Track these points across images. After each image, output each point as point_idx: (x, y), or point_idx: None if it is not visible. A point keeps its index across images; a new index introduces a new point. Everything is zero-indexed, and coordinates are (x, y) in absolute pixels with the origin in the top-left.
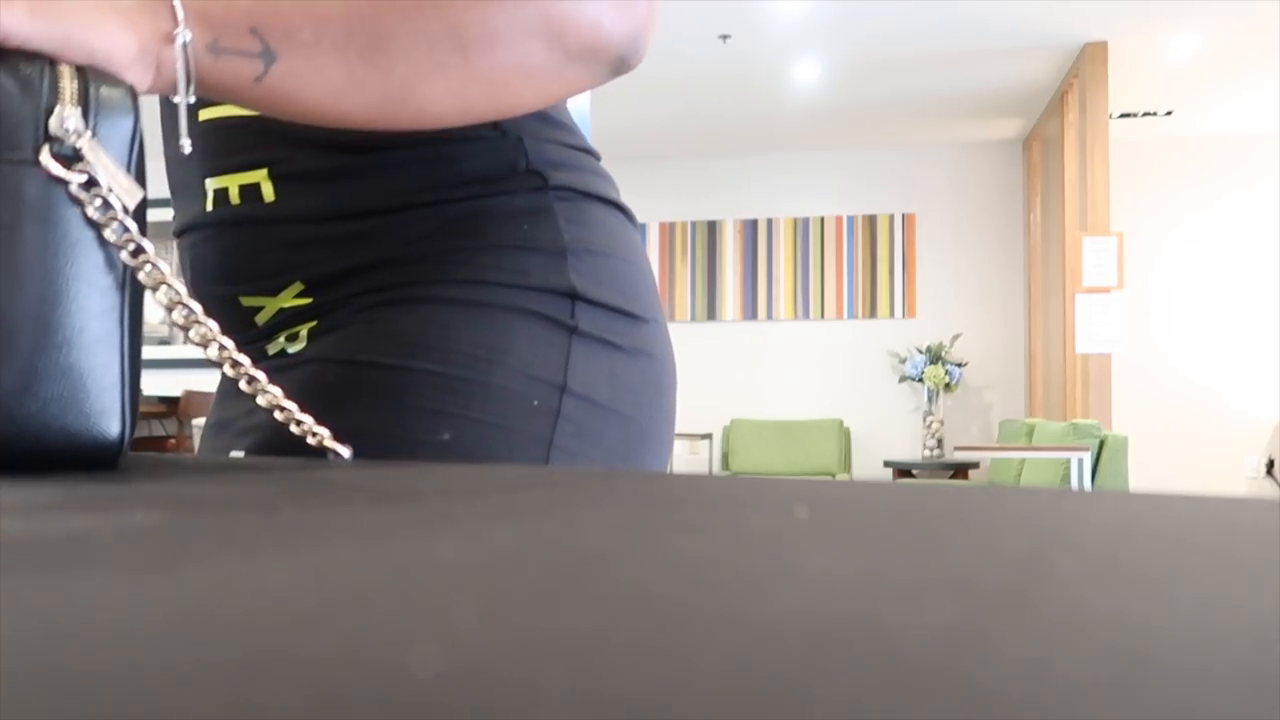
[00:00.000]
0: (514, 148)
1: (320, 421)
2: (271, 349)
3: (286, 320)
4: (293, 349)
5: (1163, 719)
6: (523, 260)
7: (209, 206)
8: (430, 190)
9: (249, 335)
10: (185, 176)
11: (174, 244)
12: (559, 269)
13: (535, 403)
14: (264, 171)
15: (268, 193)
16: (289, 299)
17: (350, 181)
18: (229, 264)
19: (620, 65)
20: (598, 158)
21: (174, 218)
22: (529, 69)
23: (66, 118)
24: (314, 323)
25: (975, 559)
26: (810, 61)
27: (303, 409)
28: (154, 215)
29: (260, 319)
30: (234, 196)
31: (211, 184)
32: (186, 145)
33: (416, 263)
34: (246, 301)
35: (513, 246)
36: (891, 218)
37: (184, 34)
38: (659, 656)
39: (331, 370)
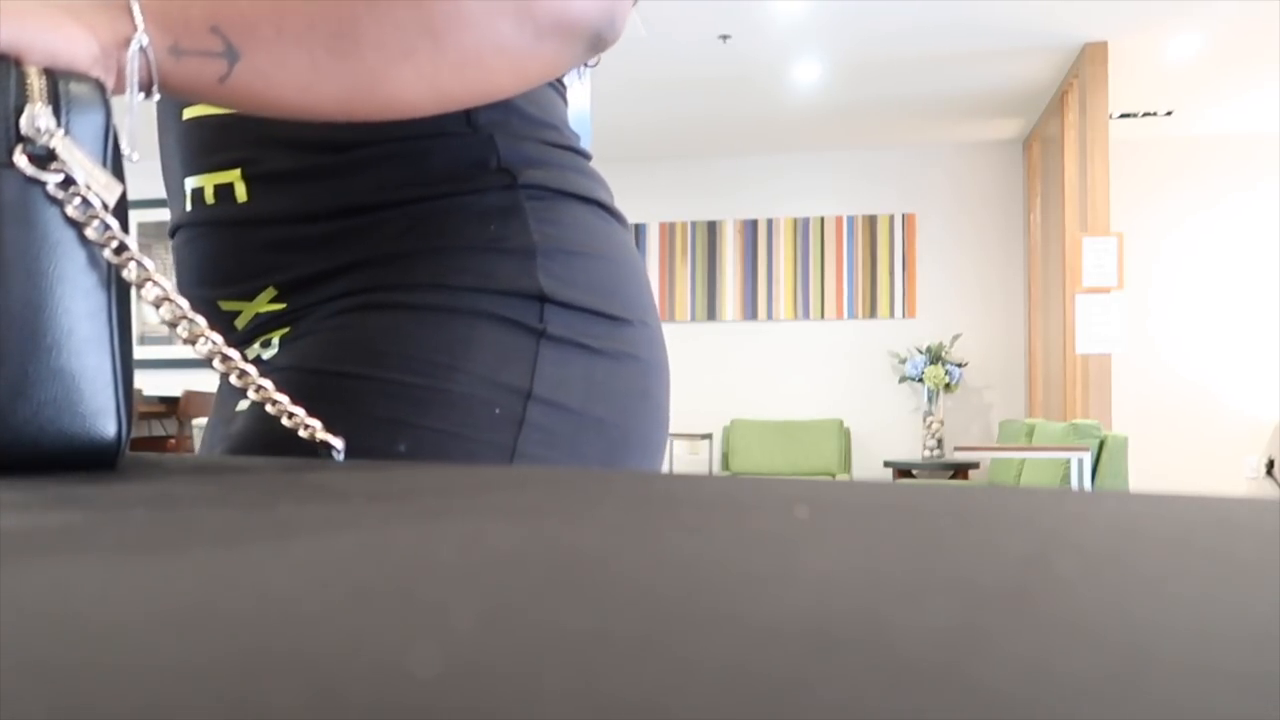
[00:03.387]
0: (485, 145)
1: (286, 430)
2: (249, 355)
3: (263, 326)
4: (266, 355)
5: (1163, 718)
6: (489, 262)
7: (188, 206)
8: (399, 188)
9: (229, 340)
10: (171, 177)
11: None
12: (527, 270)
13: (497, 410)
14: (237, 172)
15: (240, 193)
16: (264, 304)
17: (322, 181)
18: (207, 266)
19: (597, 42)
20: (587, 157)
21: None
22: (501, 49)
23: (37, 116)
24: (287, 329)
25: (975, 559)
26: (810, 61)
27: (274, 419)
28: (149, 215)
29: (239, 323)
30: (209, 196)
31: (190, 183)
32: (133, 154)
33: (384, 265)
34: (225, 306)
35: (479, 248)
36: (891, 218)
37: (141, 38)
38: (659, 656)
39: (294, 379)
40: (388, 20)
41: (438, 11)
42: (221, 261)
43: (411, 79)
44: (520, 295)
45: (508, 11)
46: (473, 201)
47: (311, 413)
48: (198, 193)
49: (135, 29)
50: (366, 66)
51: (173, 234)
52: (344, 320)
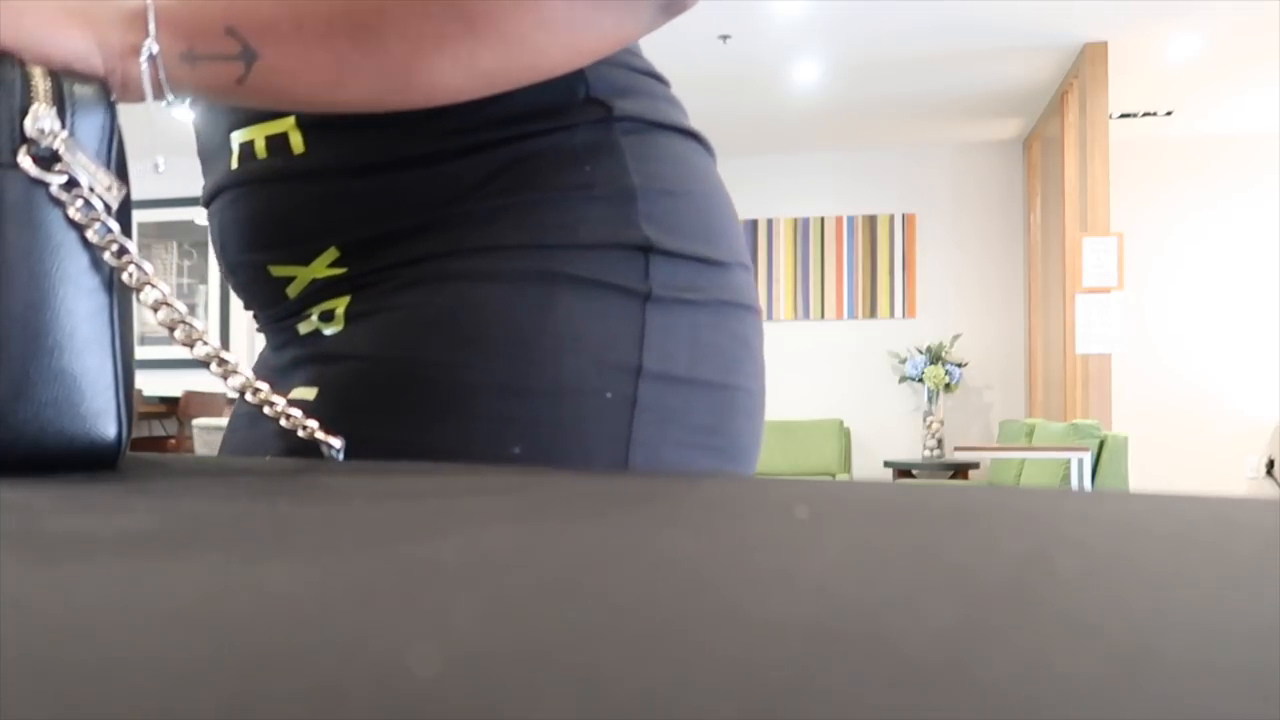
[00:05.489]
0: (572, 74)
1: (372, 432)
2: (304, 328)
3: (319, 293)
4: (329, 330)
5: (1163, 718)
6: (585, 211)
7: (234, 164)
8: (476, 130)
9: (280, 310)
10: (212, 137)
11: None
12: (628, 218)
13: (609, 395)
14: (291, 120)
15: (296, 143)
16: (322, 268)
17: (389, 125)
18: (256, 227)
19: (669, 5)
20: (666, 84)
21: (203, 186)
22: (549, 26)
23: (41, 118)
24: (348, 298)
25: (975, 559)
26: (810, 61)
27: (352, 414)
28: (149, 215)
29: (291, 291)
30: (260, 150)
31: (237, 137)
32: (160, 163)
33: (463, 225)
34: (276, 271)
35: (573, 196)
36: (891, 218)
37: (151, 46)
38: (659, 656)
39: (383, 371)
40: (415, 9)
41: None
42: (274, 221)
43: (448, 67)
44: (622, 247)
45: None
46: (562, 140)
47: (402, 411)
48: (246, 147)
49: (147, 36)
50: (396, 58)
51: (210, 200)
52: (423, 294)
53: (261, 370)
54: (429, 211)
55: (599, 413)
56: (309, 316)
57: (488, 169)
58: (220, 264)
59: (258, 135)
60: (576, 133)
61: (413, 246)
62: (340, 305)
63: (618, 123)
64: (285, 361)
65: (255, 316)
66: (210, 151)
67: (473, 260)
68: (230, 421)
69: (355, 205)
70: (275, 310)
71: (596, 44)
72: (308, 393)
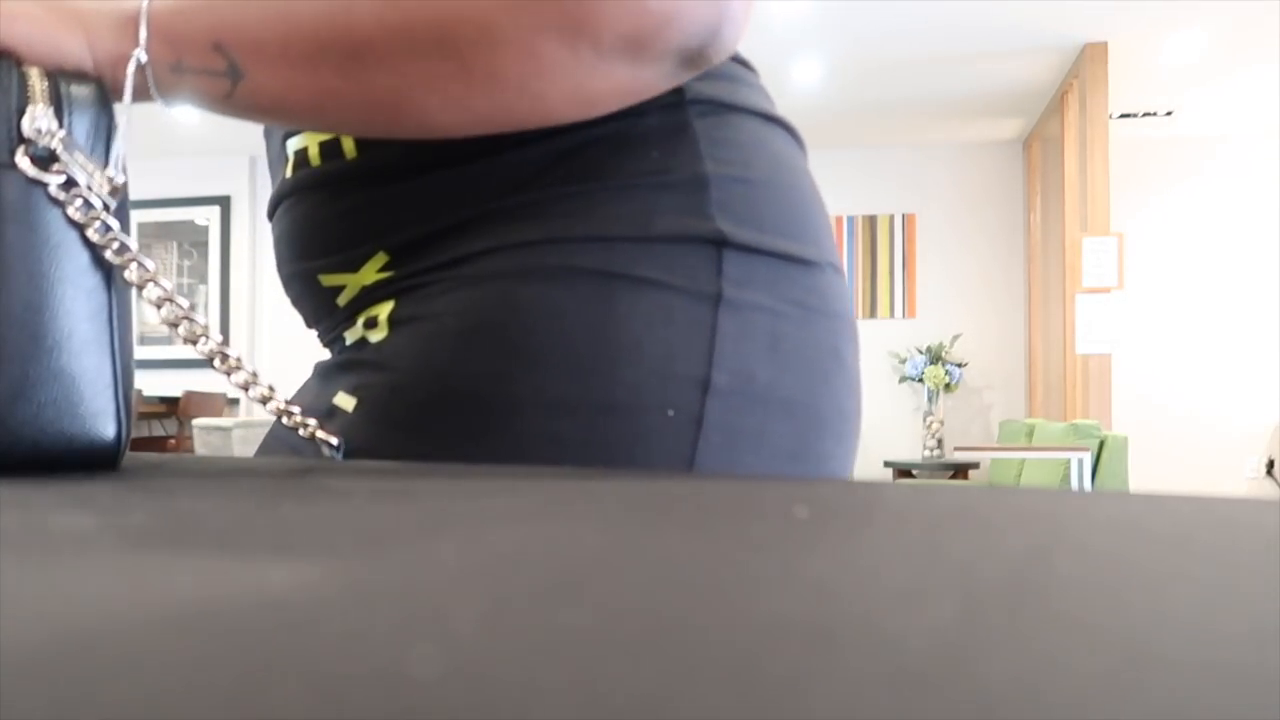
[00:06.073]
0: None
1: (410, 450)
2: (350, 335)
3: (366, 298)
4: (374, 337)
5: (1163, 718)
6: (653, 201)
7: (288, 173)
8: None
9: (333, 322)
10: (273, 146)
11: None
12: (699, 208)
13: (671, 413)
14: None
15: (349, 148)
16: (372, 274)
17: None
18: (306, 235)
19: (694, 59)
20: (750, 67)
21: (269, 198)
22: (549, 74)
23: (38, 118)
24: (392, 303)
25: (975, 559)
26: (811, 61)
27: (390, 430)
28: (150, 215)
29: (341, 300)
30: (314, 156)
31: (292, 145)
32: (120, 177)
33: (517, 219)
34: (326, 280)
35: (638, 184)
36: (891, 218)
37: (140, 55)
38: (659, 657)
39: (422, 385)
40: (403, 43)
41: (462, 34)
42: (324, 227)
43: (437, 105)
44: (691, 240)
45: (554, 30)
46: (628, 125)
47: (441, 428)
48: (301, 154)
49: (137, 44)
50: (383, 92)
51: (273, 212)
52: (468, 297)
53: (308, 380)
54: (481, 205)
55: (659, 432)
56: (355, 323)
57: (547, 157)
58: (280, 277)
59: (311, 142)
60: (646, 116)
61: (462, 244)
62: (384, 311)
63: (691, 105)
64: (331, 365)
65: (318, 336)
66: (272, 161)
67: (524, 256)
68: (273, 428)
69: (405, 206)
70: (329, 323)
71: (607, 95)
72: (347, 401)
